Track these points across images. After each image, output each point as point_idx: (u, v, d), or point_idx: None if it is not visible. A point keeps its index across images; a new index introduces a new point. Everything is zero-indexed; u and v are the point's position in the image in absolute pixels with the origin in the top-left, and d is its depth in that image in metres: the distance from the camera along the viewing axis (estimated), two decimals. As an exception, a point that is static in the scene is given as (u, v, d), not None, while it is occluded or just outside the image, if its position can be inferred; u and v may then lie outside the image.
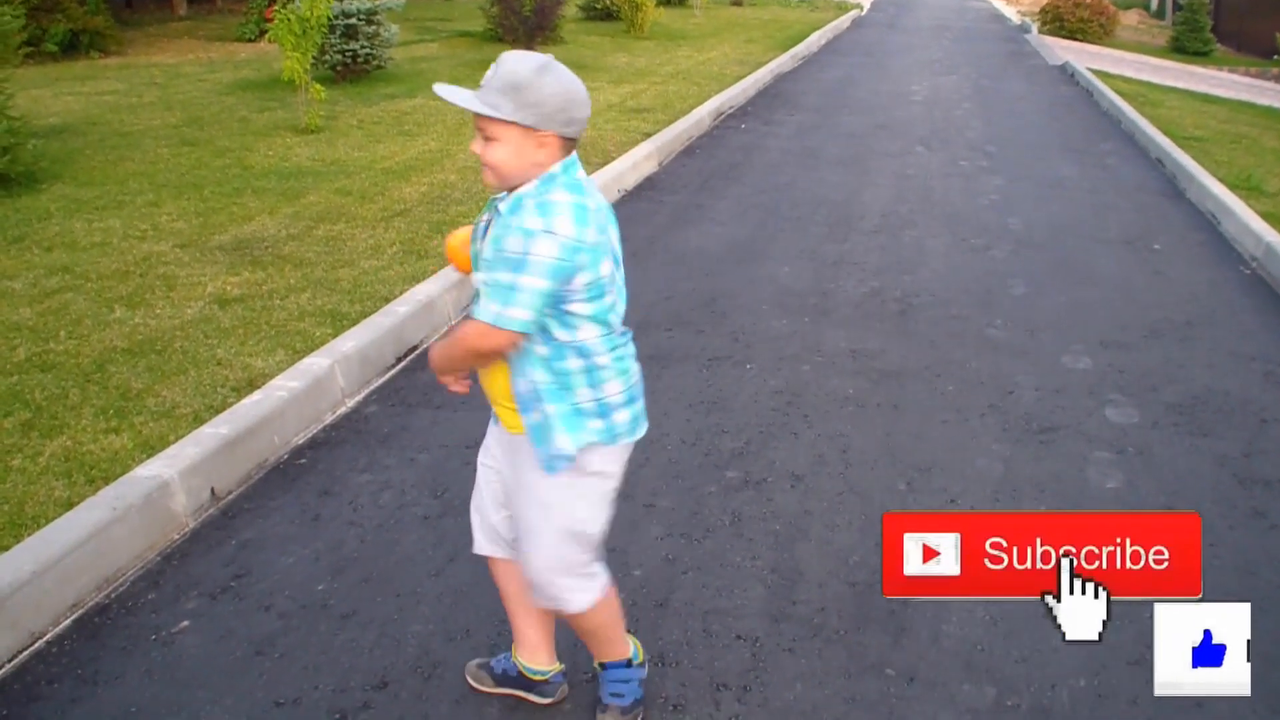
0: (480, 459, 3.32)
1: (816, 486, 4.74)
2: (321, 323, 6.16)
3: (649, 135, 11.47)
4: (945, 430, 5.28)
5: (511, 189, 2.81)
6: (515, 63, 2.74)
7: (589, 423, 2.97)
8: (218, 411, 5.04)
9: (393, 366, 5.89)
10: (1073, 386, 5.84)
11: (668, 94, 14.34)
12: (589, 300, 2.85)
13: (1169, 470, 5.00)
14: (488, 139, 2.75)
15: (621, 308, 2.99)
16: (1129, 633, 3.80)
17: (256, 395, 5.01)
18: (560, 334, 2.87)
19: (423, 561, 4.15)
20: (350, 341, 5.65)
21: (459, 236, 3.12)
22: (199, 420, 4.97)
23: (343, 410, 5.39)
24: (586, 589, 3.15)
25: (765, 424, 5.27)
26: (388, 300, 6.49)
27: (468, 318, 2.86)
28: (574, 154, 2.87)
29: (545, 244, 2.70)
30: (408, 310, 6.13)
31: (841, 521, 4.48)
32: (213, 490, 4.50)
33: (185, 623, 3.79)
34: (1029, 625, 3.85)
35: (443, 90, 2.80)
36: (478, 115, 2.73)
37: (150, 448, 4.71)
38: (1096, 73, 18.77)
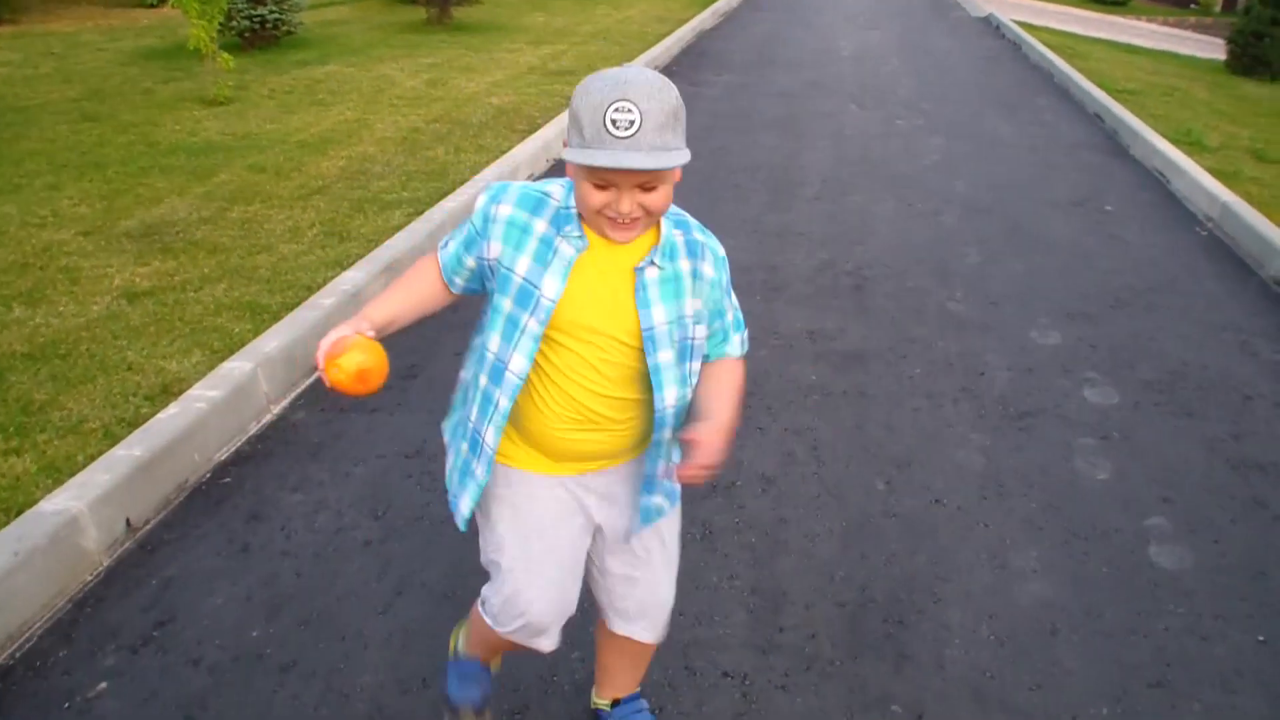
0: (546, 531, 2.64)
1: (790, 489, 4.38)
2: (240, 317, 5.70)
3: (574, 100, 11.01)
4: (918, 419, 4.95)
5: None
6: (658, 91, 2.15)
7: None
8: (130, 425, 4.59)
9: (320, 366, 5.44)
10: (1045, 364, 5.53)
11: (589, 55, 13.88)
12: None
13: (1158, 457, 4.71)
14: (650, 188, 2.22)
15: None
16: (1144, 650, 3.49)
17: (173, 408, 4.56)
18: None
19: (367, 596, 3.74)
20: (273, 340, 5.20)
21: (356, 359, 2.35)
22: (110, 435, 4.52)
23: (268, 418, 4.95)
24: None
25: (727, 418, 4.90)
26: (310, 290, 6.04)
27: (711, 361, 2.59)
28: None
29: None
30: (333, 302, 5.68)
31: (821, 529, 4.13)
32: (128, 521, 4.06)
33: (103, 684, 3.35)
34: (1038, 645, 3.53)
35: (600, 158, 2.14)
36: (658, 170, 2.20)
37: (56, 470, 4.26)
38: (1021, 24, 18.53)
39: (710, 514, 4.18)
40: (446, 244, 2.60)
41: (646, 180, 2.19)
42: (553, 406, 2.49)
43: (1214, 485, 4.50)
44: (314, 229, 7.12)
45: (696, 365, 2.49)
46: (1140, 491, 4.44)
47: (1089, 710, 3.30)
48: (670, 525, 2.78)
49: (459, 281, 2.59)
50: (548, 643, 2.66)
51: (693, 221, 2.47)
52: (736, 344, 2.59)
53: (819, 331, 5.85)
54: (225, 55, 10.67)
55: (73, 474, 4.21)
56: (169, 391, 4.89)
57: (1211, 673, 3.49)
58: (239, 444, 4.72)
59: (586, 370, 2.46)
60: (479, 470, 2.58)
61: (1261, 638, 3.65)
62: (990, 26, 19.39)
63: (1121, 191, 8.84)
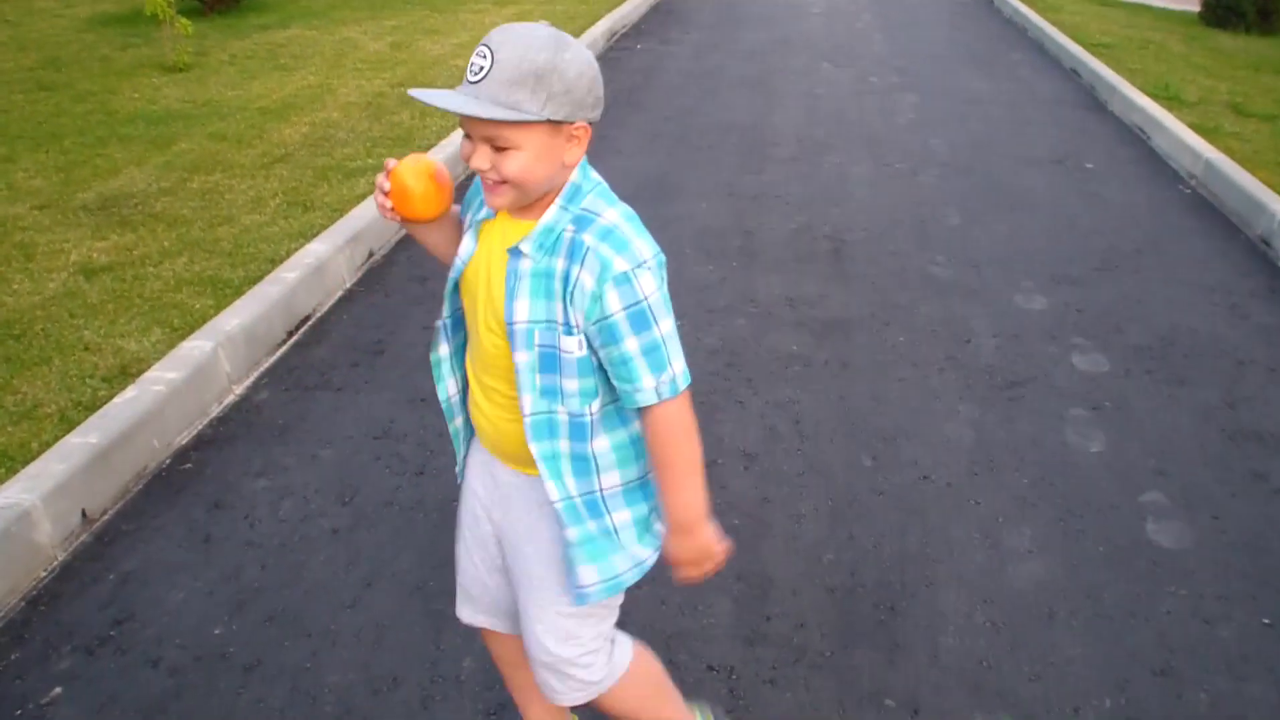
0: (463, 500, 2.57)
1: (773, 467, 4.24)
2: (201, 293, 5.50)
3: (543, 61, 10.78)
4: (904, 390, 4.80)
5: (525, 207, 2.14)
6: (524, 44, 1.97)
7: (655, 523, 2.39)
8: (87, 409, 4.41)
9: (283, 342, 5.26)
10: (1032, 330, 5.39)
11: (556, 14, 13.62)
12: None
13: (1152, 427, 4.57)
14: (500, 148, 2.02)
15: None
16: (1146, 635, 3.36)
17: (130, 391, 4.37)
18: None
19: (336, 589, 3.58)
20: (234, 318, 5.01)
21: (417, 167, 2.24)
22: (66, 420, 4.34)
23: (230, 399, 4.77)
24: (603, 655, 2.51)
25: (706, 391, 4.75)
26: (274, 262, 5.85)
27: (642, 412, 2.17)
28: None
29: (648, 279, 2.08)
30: (297, 276, 5.49)
31: (806, 509, 3.98)
32: (84, 512, 3.88)
33: (58, 689, 3.19)
34: (1035, 631, 3.40)
35: (429, 96, 2.00)
36: (481, 120, 2.00)
37: (9, 459, 4.08)
38: (992, -23, 18.32)
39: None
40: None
41: (491, 135, 2.00)
42: (468, 366, 2.39)
43: (1211, 457, 4.37)
44: (277, 199, 6.91)
45: (573, 385, 2.16)
46: (1135, 465, 4.31)
47: (1092, 701, 3.17)
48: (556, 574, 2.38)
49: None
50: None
51: (604, 222, 2.08)
52: (647, 390, 2.10)
53: (798, 298, 5.69)
54: (184, 20, 10.42)
55: (26, 463, 4.03)
56: (127, 373, 4.71)
57: (1217, 658, 3.36)
58: (200, 427, 4.55)
59: (474, 338, 2.31)
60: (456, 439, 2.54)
61: (1267, 620, 3.52)
62: (961, -20, 19.15)
63: (1101, 148, 8.69)
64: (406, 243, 6.53)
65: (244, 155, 7.85)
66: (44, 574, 3.69)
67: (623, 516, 2.30)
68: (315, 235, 6.17)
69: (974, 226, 6.79)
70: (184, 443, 4.43)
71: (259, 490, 4.09)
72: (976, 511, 4.00)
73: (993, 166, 8.06)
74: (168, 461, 4.31)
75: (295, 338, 5.33)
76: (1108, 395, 4.79)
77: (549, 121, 1.99)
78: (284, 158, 7.82)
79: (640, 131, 8.95)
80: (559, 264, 2.07)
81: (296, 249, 5.99)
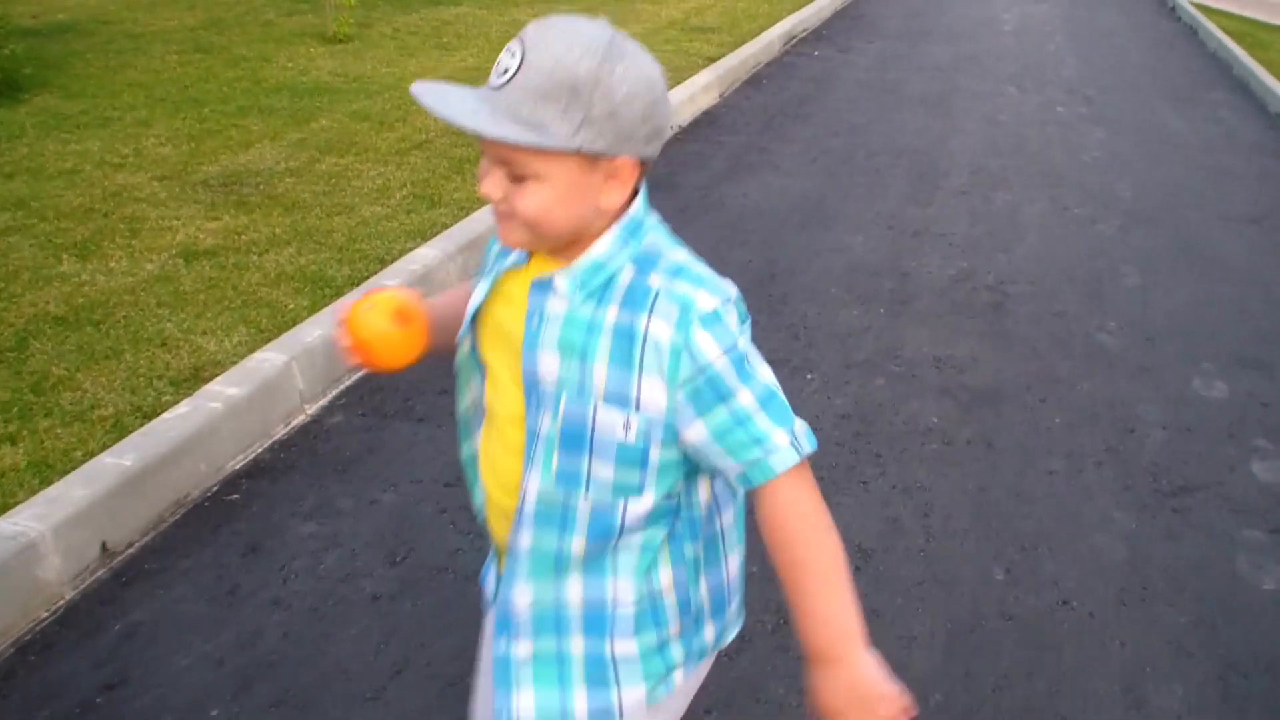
0: (486, 628, 2.01)
1: (890, 570, 3.66)
2: (299, 291, 5.12)
3: (711, 61, 10.28)
4: (1053, 486, 4.18)
5: (554, 249, 1.66)
6: (564, 46, 1.50)
7: (674, 654, 1.85)
8: (145, 415, 4.04)
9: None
10: (1207, 424, 4.71)
11: (735, 11, 13.10)
12: None
13: (1344, 563, 3.88)
14: (518, 177, 1.55)
15: None
16: None
17: (183, 406, 3.97)
18: (681, 488, 1.76)
19: (360, 673, 3.11)
20: (318, 328, 4.58)
21: (372, 313, 1.82)
22: (119, 427, 3.97)
23: (299, 420, 4.35)
24: None
25: (828, 464, 4.19)
26: (383, 263, 5.44)
27: (764, 492, 1.66)
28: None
29: (734, 319, 1.63)
30: (397, 284, 5.05)
31: (921, 629, 3.40)
32: (104, 545, 3.48)
33: (17, 771, 2.78)
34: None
35: (430, 95, 1.53)
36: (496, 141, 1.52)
37: (47, 467, 3.71)
38: (1198, 6, 17.28)
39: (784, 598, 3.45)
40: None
41: (507, 158, 1.54)
42: (487, 450, 1.87)
43: None
44: (404, 190, 6.53)
45: (607, 472, 1.66)
46: (1320, 613, 3.63)
47: None
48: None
49: None
50: None
51: (672, 260, 1.63)
52: (783, 447, 1.62)
53: (947, 359, 5.08)
54: (352, -11, 10.15)
55: (67, 471, 3.66)
56: (199, 376, 4.34)
57: None
58: (259, 450, 4.13)
59: (490, 414, 1.83)
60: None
61: None
62: (1165, 6, 18.12)
63: (1308, 209, 7.86)
64: (528, 253, 6.06)
65: (382, 138, 7.50)
66: (45, 614, 3.29)
67: (626, 646, 1.80)
68: (432, 236, 5.75)
69: (1154, 289, 6.08)
70: (238, 467, 4.02)
71: (304, 536, 3.65)
72: (1121, 656, 3.37)
73: (1182, 220, 7.30)
74: (214, 489, 3.90)
75: (385, 353, 4.88)
76: (1292, 517, 4.11)
77: (581, 152, 1.52)
78: (423, 144, 7.45)
79: (804, 146, 8.39)
80: (611, 315, 1.61)
81: (410, 249, 5.58)
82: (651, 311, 1.58)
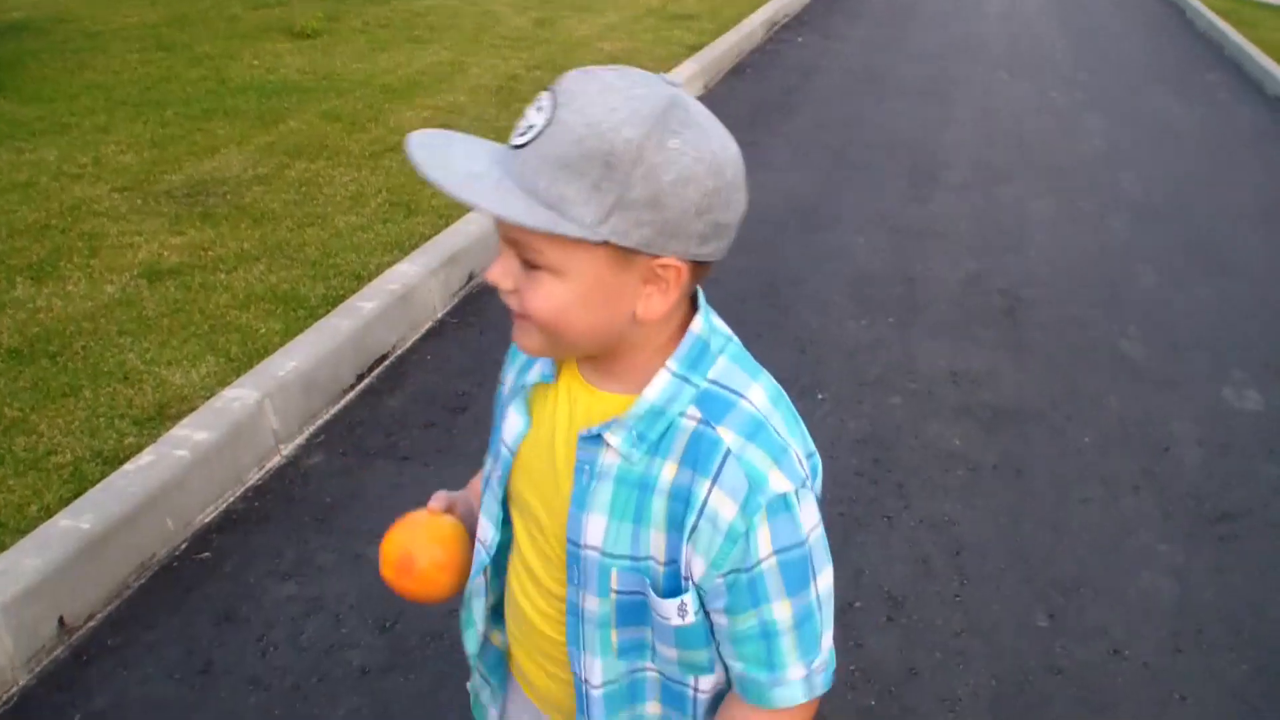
0: None
1: (924, 619, 3.34)
2: (270, 312, 4.78)
3: (694, 50, 9.93)
4: (1089, 516, 3.87)
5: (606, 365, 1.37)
6: (601, 105, 1.18)
7: None
8: (106, 462, 3.69)
9: (350, 388, 4.48)
10: (1245, 439, 4.42)
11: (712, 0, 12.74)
12: None
13: None
14: (532, 266, 1.25)
15: None
16: None
17: (146, 456, 3.62)
18: None
19: (348, 766, 2.78)
20: (292, 359, 4.24)
21: (431, 533, 1.61)
22: (78, 476, 3.63)
23: (274, 463, 4.01)
24: None
25: (846, 497, 3.87)
26: (359, 279, 5.10)
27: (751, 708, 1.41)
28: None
29: (808, 507, 1.33)
30: (376, 307, 4.71)
31: (963, 689, 3.09)
32: (61, 620, 3.13)
33: None
34: None
35: (422, 152, 1.21)
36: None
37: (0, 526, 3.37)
38: (1183, -16, 16.99)
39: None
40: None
41: (519, 241, 1.23)
42: (512, 597, 1.59)
43: None
44: (379, 196, 6.18)
45: (672, 653, 1.42)
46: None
47: None
48: None
49: None
50: None
51: (750, 408, 1.31)
52: (793, 683, 1.37)
53: (964, 373, 4.77)
54: (316, -19, 9.78)
55: (21, 530, 3.32)
56: (164, 414, 4.00)
57: None
58: (230, 499, 3.79)
59: (521, 564, 1.54)
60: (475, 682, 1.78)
61: None
62: (1152, -14, 17.81)
63: (1320, 199, 7.57)
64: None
65: (354, 140, 7.14)
66: (-5, 703, 2.95)
67: None
68: (411, 249, 5.40)
69: (1173, 290, 5.78)
70: (207, 520, 3.68)
71: (283, 600, 3.32)
72: (1182, 713, 3.07)
73: (1192, 214, 7.00)
74: (183, 546, 3.56)
75: (365, 382, 4.55)
76: (1352, 548, 3.81)
77: (609, 245, 1.20)
78: (397, 146, 7.09)
79: (793, 142, 8.06)
80: (669, 472, 1.30)
81: (388, 264, 5.24)
82: (716, 479, 1.28)
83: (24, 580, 3.02)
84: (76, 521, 3.25)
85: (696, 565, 1.31)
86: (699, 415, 1.30)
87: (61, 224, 5.70)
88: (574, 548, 1.37)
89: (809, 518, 1.31)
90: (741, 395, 1.31)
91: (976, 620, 3.34)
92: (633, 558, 1.34)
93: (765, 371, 1.37)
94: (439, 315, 5.12)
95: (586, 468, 1.35)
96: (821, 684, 1.38)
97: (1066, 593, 3.49)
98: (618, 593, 1.37)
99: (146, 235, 5.58)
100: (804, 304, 5.39)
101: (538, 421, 1.43)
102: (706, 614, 1.36)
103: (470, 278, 5.45)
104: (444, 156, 1.21)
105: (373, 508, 3.73)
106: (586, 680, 1.44)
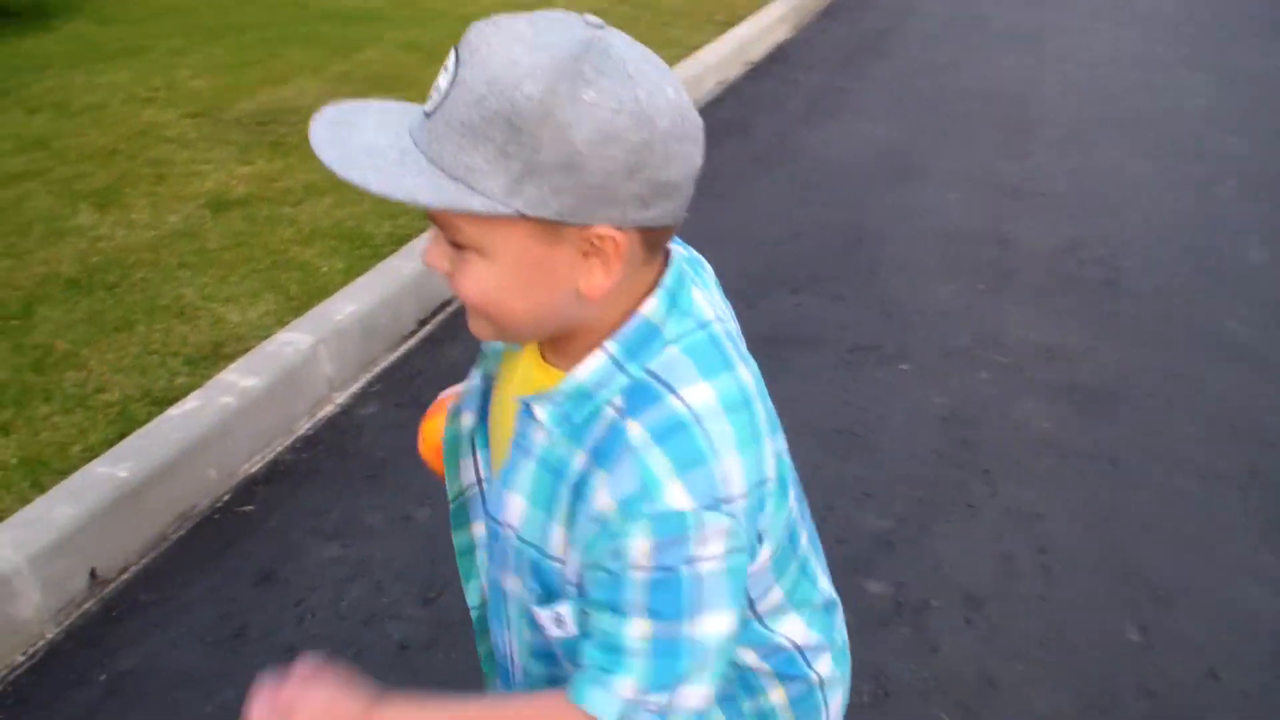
0: None
1: (1005, 623, 3.11)
2: (334, 250, 4.62)
3: (785, -11, 9.61)
4: (1188, 515, 3.60)
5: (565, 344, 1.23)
6: (502, 58, 1.02)
7: None
8: (156, 403, 3.56)
9: (410, 335, 4.30)
10: (1363, 438, 4.11)
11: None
12: (779, 569, 1.34)
13: None
14: (459, 246, 1.11)
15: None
16: None
17: (192, 400, 3.47)
18: (750, 656, 1.38)
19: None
20: (350, 302, 4.06)
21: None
22: (125, 418, 3.50)
23: (327, 412, 3.84)
24: None
25: (926, 480, 3.65)
26: (426, 221, 4.89)
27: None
28: (676, 257, 1.24)
29: (714, 533, 1.13)
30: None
31: (1046, 708, 2.86)
32: (93, 573, 2.99)
33: None
34: None
35: (325, 129, 1.12)
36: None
37: (41, 466, 3.25)
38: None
39: (886, 658, 2.93)
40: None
41: (438, 218, 1.12)
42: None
43: None
44: (455, 132, 5.95)
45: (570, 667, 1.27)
46: None
47: None
48: None
49: None
50: None
51: (679, 408, 1.13)
52: (600, 695, 1.17)
53: (1058, 348, 4.50)
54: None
55: (62, 472, 3.18)
56: (218, 354, 3.86)
57: None
58: (278, 449, 3.64)
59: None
60: None
61: None
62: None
63: None
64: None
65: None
66: (21, 659, 2.82)
67: None
68: (484, 190, 5.19)
69: (1282, 267, 5.45)
70: (252, 471, 3.53)
71: (326, 562, 3.16)
72: (1288, 746, 2.83)
73: (1307, 183, 6.62)
74: (226, 498, 3.41)
75: (427, 329, 4.38)
76: None
77: (524, 217, 1.06)
78: (476, 80, 6.86)
79: (886, 87, 7.77)
80: (579, 461, 1.17)
81: (459, 204, 5.03)
82: (610, 469, 1.13)
83: (55, 530, 2.88)
84: (114, 469, 3.11)
85: (572, 558, 1.19)
86: (621, 406, 1.15)
87: (130, 149, 5.57)
88: (491, 525, 1.30)
89: (707, 547, 1.12)
90: (673, 391, 1.15)
91: (1061, 629, 3.11)
92: (539, 550, 1.23)
93: (737, 373, 1.20)
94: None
95: (520, 441, 1.24)
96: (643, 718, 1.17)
97: (1160, 602, 3.23)
98: (531, 565, 1.25)
99: (214, 164, 5.44)
100: (890, 265, 5.13)
101: (504, 394, 1.34)
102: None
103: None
104: (348, 130, 1.11)
105: (424, 467, 3.55)
106: (510, 659, 1.37)
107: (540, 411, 1.19)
